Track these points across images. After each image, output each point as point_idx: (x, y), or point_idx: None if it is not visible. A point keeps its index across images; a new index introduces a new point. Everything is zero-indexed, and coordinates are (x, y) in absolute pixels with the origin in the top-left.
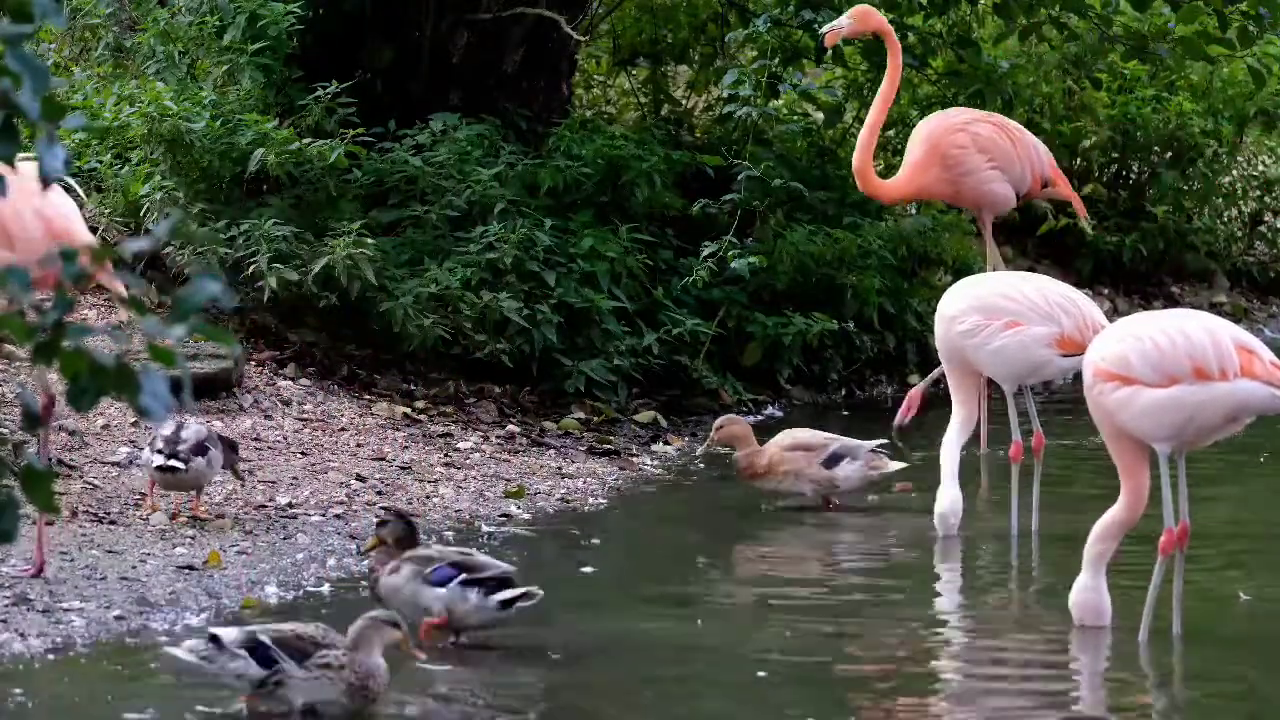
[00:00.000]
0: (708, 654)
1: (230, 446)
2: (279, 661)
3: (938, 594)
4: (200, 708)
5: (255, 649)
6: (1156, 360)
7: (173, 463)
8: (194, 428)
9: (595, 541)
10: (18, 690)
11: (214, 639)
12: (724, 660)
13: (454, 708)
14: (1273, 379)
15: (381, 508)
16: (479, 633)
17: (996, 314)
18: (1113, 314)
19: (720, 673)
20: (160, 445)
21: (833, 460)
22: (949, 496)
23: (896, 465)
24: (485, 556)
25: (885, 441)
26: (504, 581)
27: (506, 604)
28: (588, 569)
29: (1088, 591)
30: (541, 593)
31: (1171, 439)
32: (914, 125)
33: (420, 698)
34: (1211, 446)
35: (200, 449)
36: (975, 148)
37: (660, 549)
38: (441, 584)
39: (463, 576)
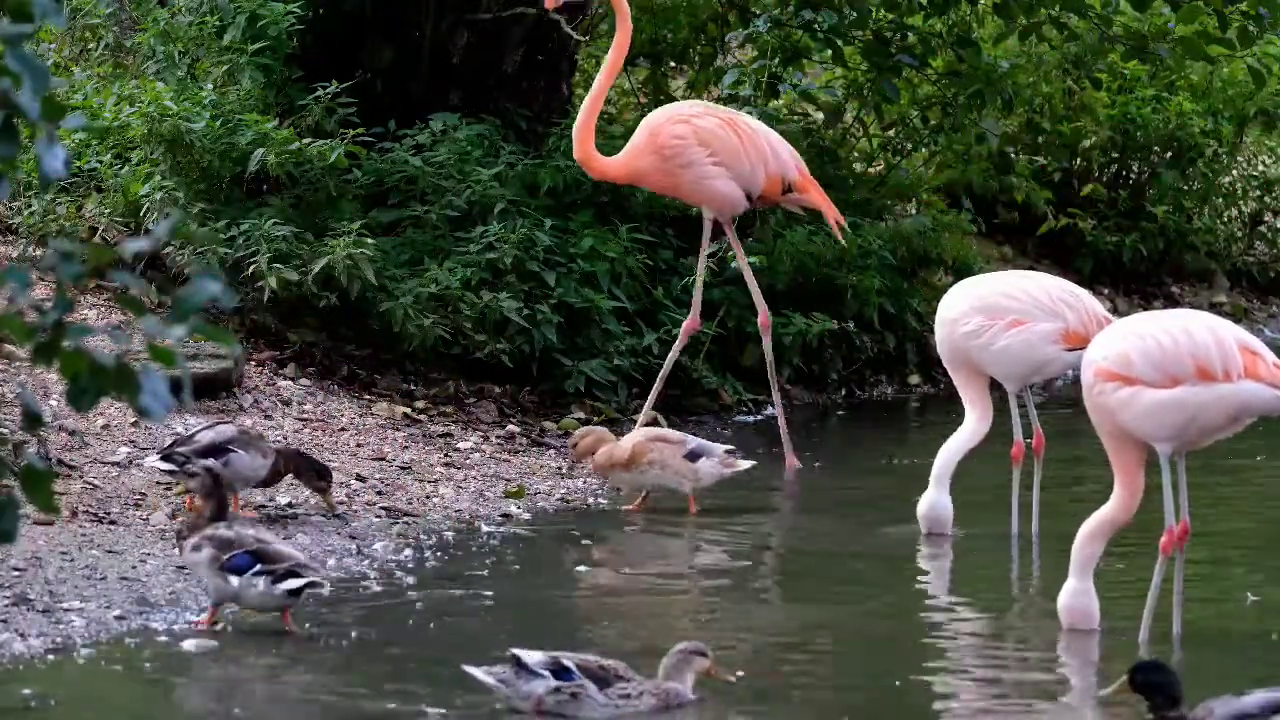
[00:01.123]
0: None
1: (319, 473)
2: (578, 678)
3: (938, 594)
4: (200, 707)
5: (558, 671)
6: (1159, 360)
7: (164, 464)
8: (213, 430)
9: (595, 541)
10: (17, 690)
11: (517, 660)
12: (723, 661)
13: (442, 705)
14: (1276, 380)
15: (203, 466)
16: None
17: (1000, 313)
18: (1113, 314)
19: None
20: (165, 447)
21: (693, 455)
22: (930, 500)
23: (747, 464)
24: (283, 545)
25: (731, 447)
26: (293, 571)
27: (294, 593)
28: (583, 568)
29: (1077, 595)
30: (327, 585)
31: (1173, 439)
32: (914, 125)
33: (404, 690)
34: (1208, 447)
35: (212, 451)
36: (695, 140)
37: (660, 549)
38: (236, 572)
39: (258, 567)
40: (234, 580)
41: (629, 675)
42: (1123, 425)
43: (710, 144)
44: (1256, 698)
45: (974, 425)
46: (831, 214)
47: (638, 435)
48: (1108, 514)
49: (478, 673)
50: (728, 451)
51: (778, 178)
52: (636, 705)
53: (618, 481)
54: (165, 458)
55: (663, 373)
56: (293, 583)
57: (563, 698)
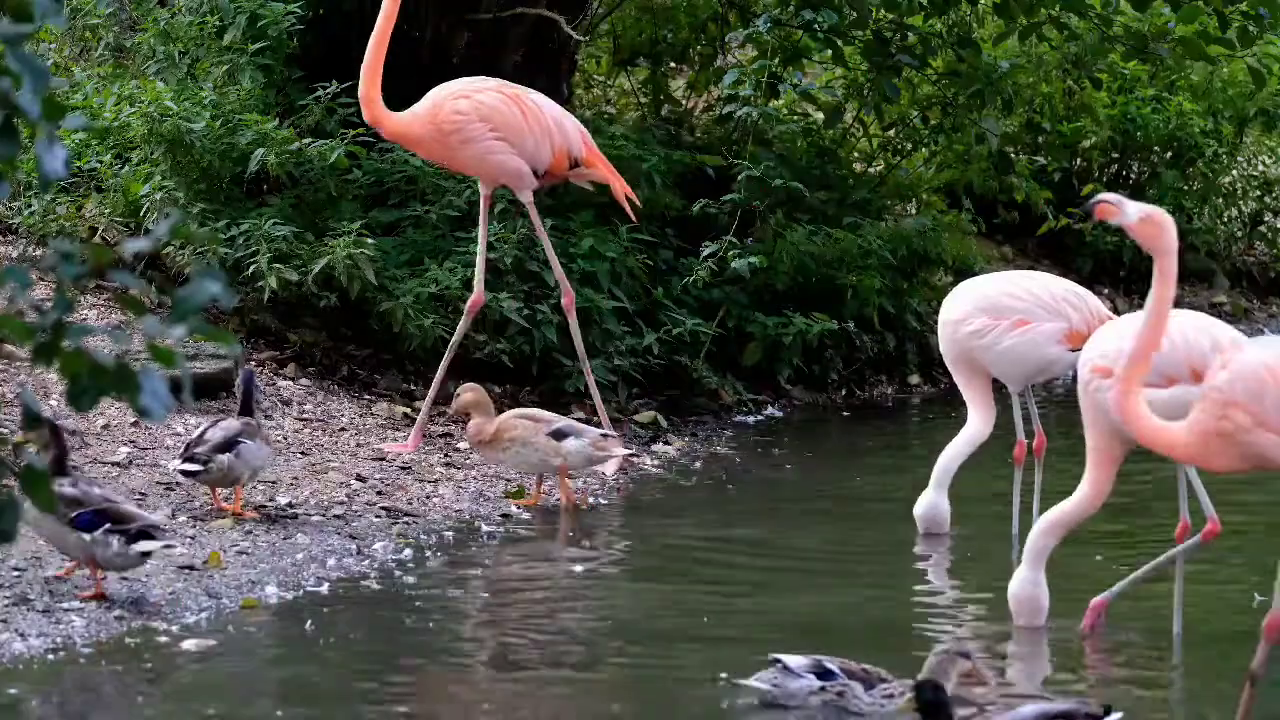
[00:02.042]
0: (707, 654)
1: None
2: (841, 678)
3: (938, 593)
4: (200, 707)
5: (821, 673)
6: (1155, 360)
7: (189, 465)
8: (225, 426)
9: (594, 541)
10: (17, 690)
11: (781, 664)
12: (722, 660)
13: (442, 704)
14: None
15: (44, 419)
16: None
17: (1004, 313)
18: (1114, 314)
19: (718, 671)
20: (181, 448)
21: (559, 435)
22: (928, 501)
23: (623, 450)
24: (131, 506)
25: (612, 433)
26: (145, 532)
27: (146, 554)
28: (582, 568)
29: (1028, 586)
30: (179, 546)
31: None
32: (914, 125)
33: (404, 690)
34: None
35: (225, 446)
36: (476, 116)
37: (660, 549)
38: (85, 529)
39: (107, 525)
40: (85, 537)
41: (889, 676)
42: (1116, 423)
43: (492, 119)
44: (1029, 709)
45: (977, 427)
46: (620, 188)
47: (510, 412)
48: (1070, 509)
49: (749, 681)
50: (605, 436)
51: (564, 153)
52: (899, 704)
53: (487, 459)
54: (188, 459)
55: (449, 351)
56: (147, 545)
57: (829, 697)
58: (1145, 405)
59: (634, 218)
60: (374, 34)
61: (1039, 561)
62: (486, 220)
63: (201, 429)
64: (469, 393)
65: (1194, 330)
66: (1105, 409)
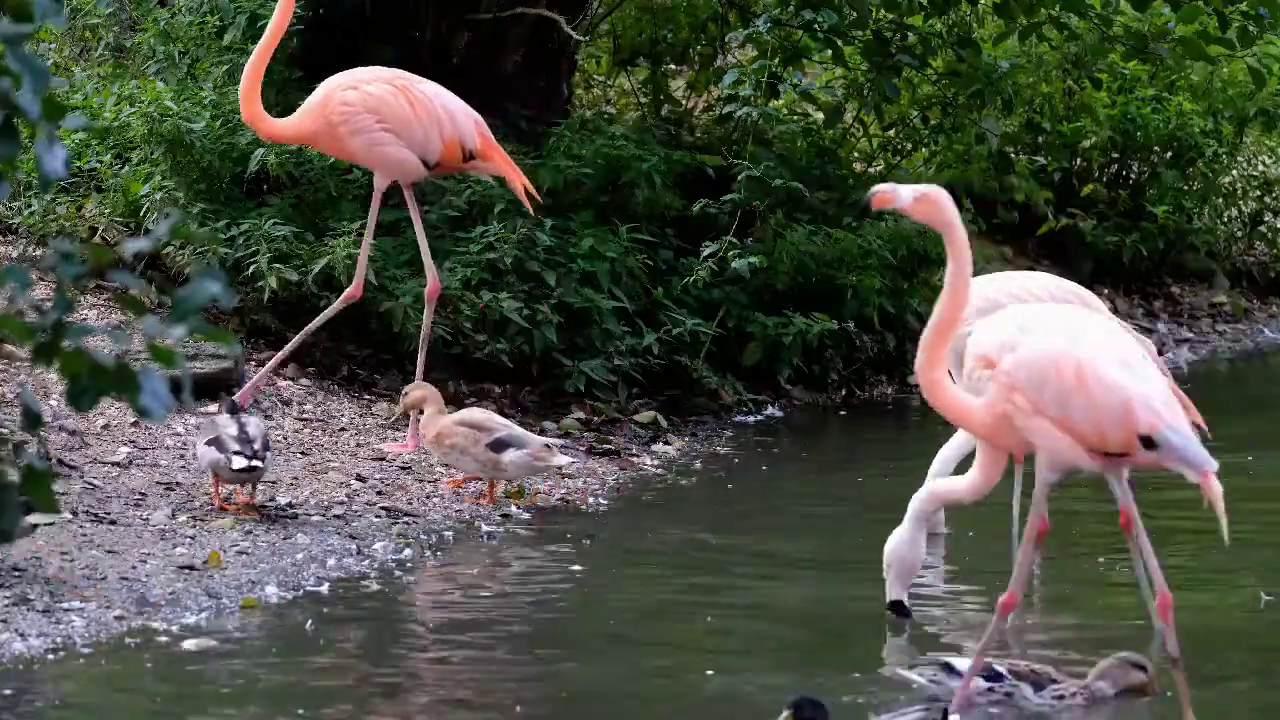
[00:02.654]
0: (708, 654)
1: None
2: (1009, 680)
3: (937, 592)
4: (200, 707)
5: (990, 675)
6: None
7: (255, 463)
8: (255, 424)
9: (595, 541)
10: (17, 690)
11: (947, 666)
12: (722, 660)
13: (442, 704)
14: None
15: None
16: None
17: None
18: (1113, 314)
19: (717, 672)
20: (237, 447)
21: (499, 445)
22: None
23: (564, 459)
24: None
25: (562, 441)
26: None
27: None
28: (581, 568)
29: (905, 545)
30: None
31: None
32: (914, 125)
33: (405, 690)
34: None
35: (267, 445)
36: (363, 107)
37: (660, 549)
38: None
39: None
40: None
41: (1060, 677)
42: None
43: (379, 111)
44: (909, 714)
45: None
46: (518, 182)
47: (454, 416)
48: (960, 488)
49: (910, 674)
50: (549, 446)
51: (455, 144)
52: (1070, 704)
53: (435, 454)
54: (254, 457)
55: (302, 335)
56: None
57: (997, 698)
58: (947, 379)
59: (532, 211)
60: (264, 37)
61: (920, 523)
62: (376, 211)
63: (236, 427)
64: (416, 390)
65: (1096, 329)
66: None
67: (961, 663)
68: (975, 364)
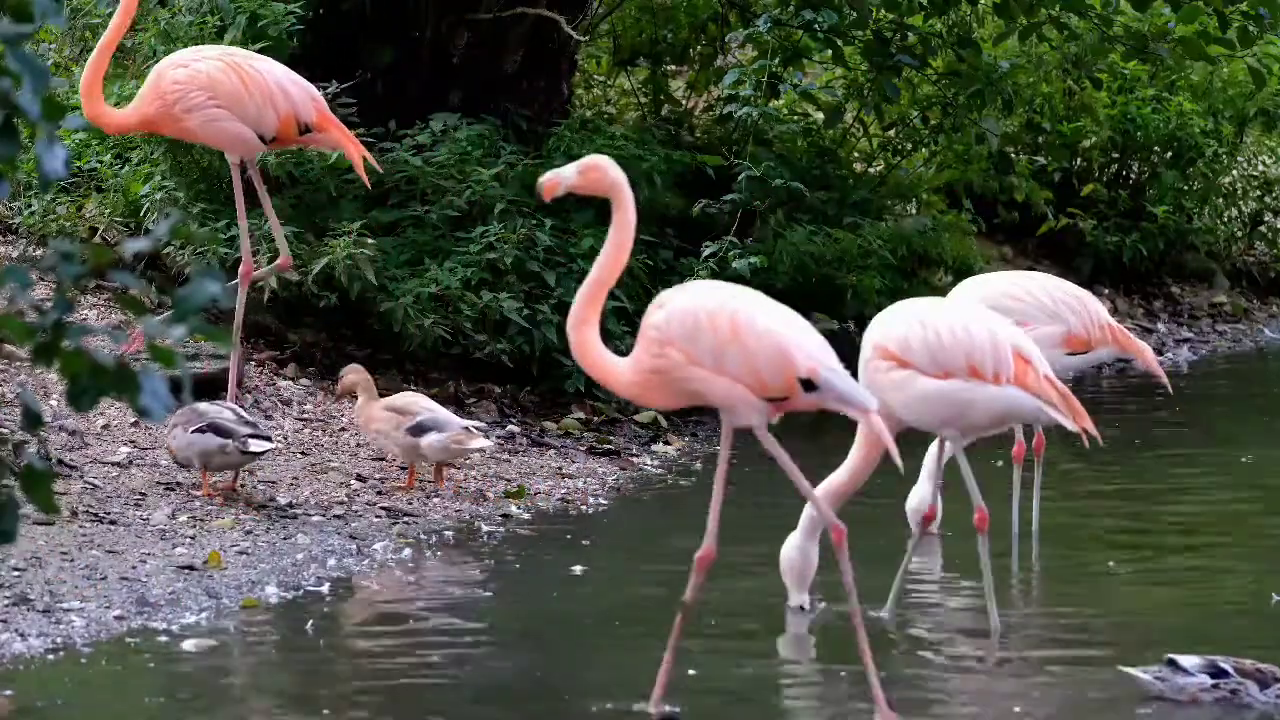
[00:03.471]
0: (706, 655)
1: None
2: (1233, 676)
3: (937, 591)
4: (200, 707)
5: (1215, 672)
6: (936, 351)
7: (268, 445)
8: (245, 410)
9: (595, 542)
10: (17, 690)
11: (1171, 663)
12: (722, 660)
13: (442, 704)
14: (1041, 391)
15: None
16: None
17: (1003, 314)
18: (1113, 314)
19: (715, 673)
20: (248, 430)
21: (419, 429)
22: (920, 494)
23: (484, 442)
24: None
25: (481, 425)
26: None
27: None
28: (581, 568)
29: (798, 552)
30: None
31: (939, 428)
32: (914, 125)
33: (405, 690)
34: (1192, 444)
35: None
36: (194, 85)
37: (660, 549)
38: None
39: None
40: None
41: None
42: (892, 406)
43: (211, 88)
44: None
45: None
46: (356, 153)
47: (383, 401)
48: (841, 480)
49: (1135, 672)
50: (468, 429)
51: (291, 118)
52: None
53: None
54: (263, 438)
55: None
56: None
57: (1221, 695)
58: (597, 339)
59: (367, 184)
60: (104, 35)
61: (813, 531)
62: (240, 186)
63: (229, 412)
64: (351, 374)
65: (976, 325)
66: (882, 390)
67: (1189, 660)
68: (874, 354)
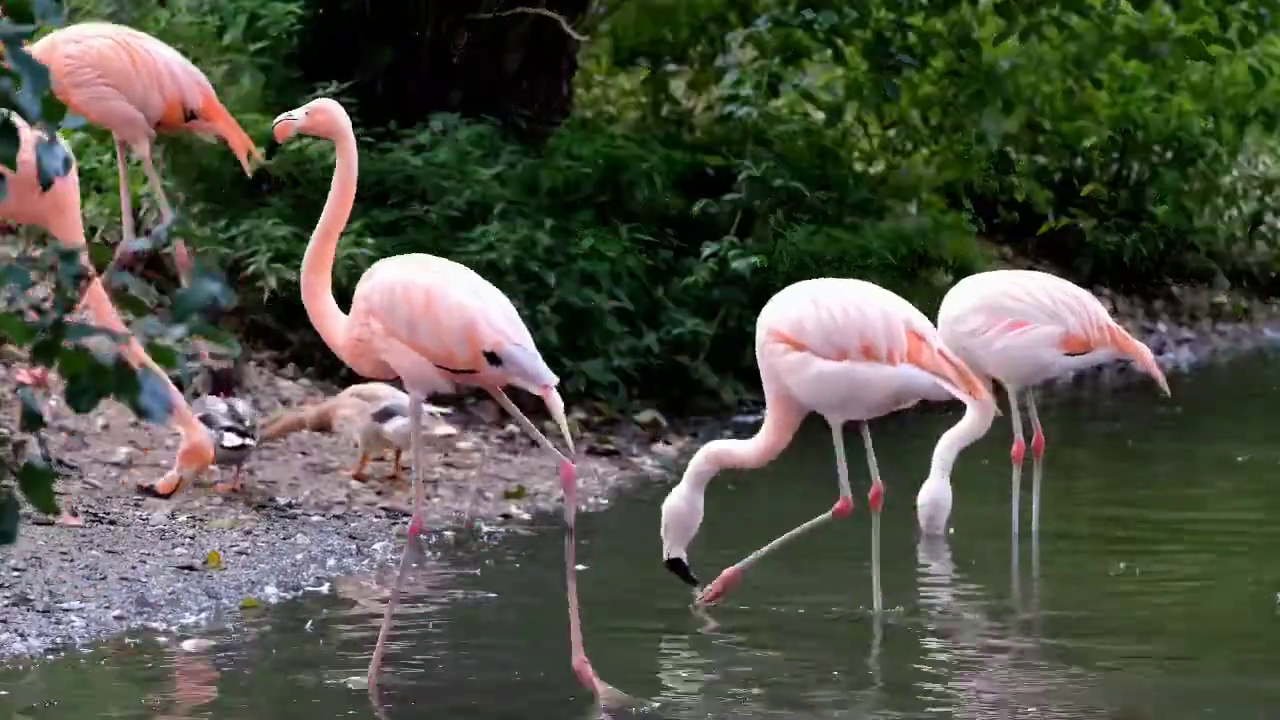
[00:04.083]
0: (706, 654)
1: None
2: None
3: (937, 591)
4: (200, 707)
5: None
6: (830, 331)
7: (247, 441)
8: (243, 405)
9: (595, 541)
10: (16, 690)
11: None
12: (722, 660)
13: (442, 702)
14: (936, 367)
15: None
16: None
17: (1001, 314)
18: (1113, 314)
19: (716, 673)
20: (228, 423)
21: (384, 415)
22: (933, 489)
23: (446, 429)
24: None
25: (447, 410)
26: None
27: None
28: (582, 568)
29: (682, 502)
30: None
31: (835, 410)
32: (914, 125)
33: (406, 690)
34: (1192, 444)
35: (254, 425)
36: (85, 61)
37: (660, 549)
38: None
39: None
40: None
41: None
42: (788, 389)
43: (101, 66)
44: None
45: (974, 419)
46: (240, 143)
47: (355, 386)
48: (741, 453)
49: None
50: (434, 415)
51: (177, 102)
52: None
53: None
54: (246, 434)
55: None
56: None
57: None
58: (326, 289)
59: (245, 172)
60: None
61: (698, 483)
62: (125, 165)
63: (226, 406)
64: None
65: (868, 304)
66: (778, 373)
67: None
68: (769, 338)
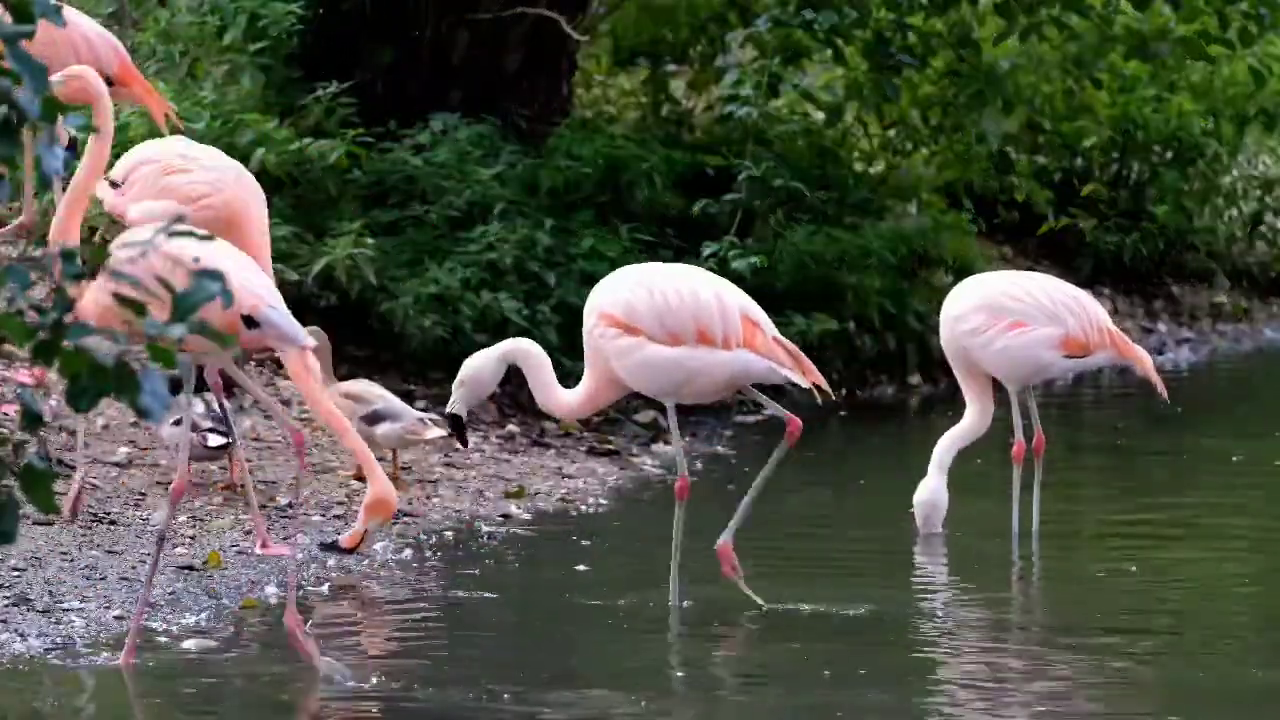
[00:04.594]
0: (706, 654)
1: None
2: None
3: (937, 590)
4: (200, 707)
5: None
6: (664, 315)
7: (227, 440)
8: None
9: (595, 541)
10: (17, 690)
11: None
12: (722, 660)
13: (442, 702)
14: (771, 353)
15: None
16: None
17: (1001, 314)
18: (1113, 314)
19: (716, 673)
20: (210, 424)
21: (374, 418)
22: (930, 487)
23: (437, 432)
24: None
25: (436, 416)
26: None
27: None
28: (583, 568)
29: (481, 365)
30: None
31: (668, 395)
32: (914, 125)
33: (406, 690)
34: (1192, 444)
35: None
36: None
37: (661, 549)
38: None
39: None
40: None
41: None
42: (617, 372)
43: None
44: None
45: (973, 419)
46: (159, 109)
47: (339, 387)
48: (554, 400)
49: None
50: (423, 420)
51: (93, 67)
52: None
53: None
54: (223, 434)
55: None
56: None
57: None
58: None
59: (165, 132)
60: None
61: (500, 359)
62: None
63: (203, 405)
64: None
65: (703, 289)
66: (609, 357)
67: None
68: (599, 321)
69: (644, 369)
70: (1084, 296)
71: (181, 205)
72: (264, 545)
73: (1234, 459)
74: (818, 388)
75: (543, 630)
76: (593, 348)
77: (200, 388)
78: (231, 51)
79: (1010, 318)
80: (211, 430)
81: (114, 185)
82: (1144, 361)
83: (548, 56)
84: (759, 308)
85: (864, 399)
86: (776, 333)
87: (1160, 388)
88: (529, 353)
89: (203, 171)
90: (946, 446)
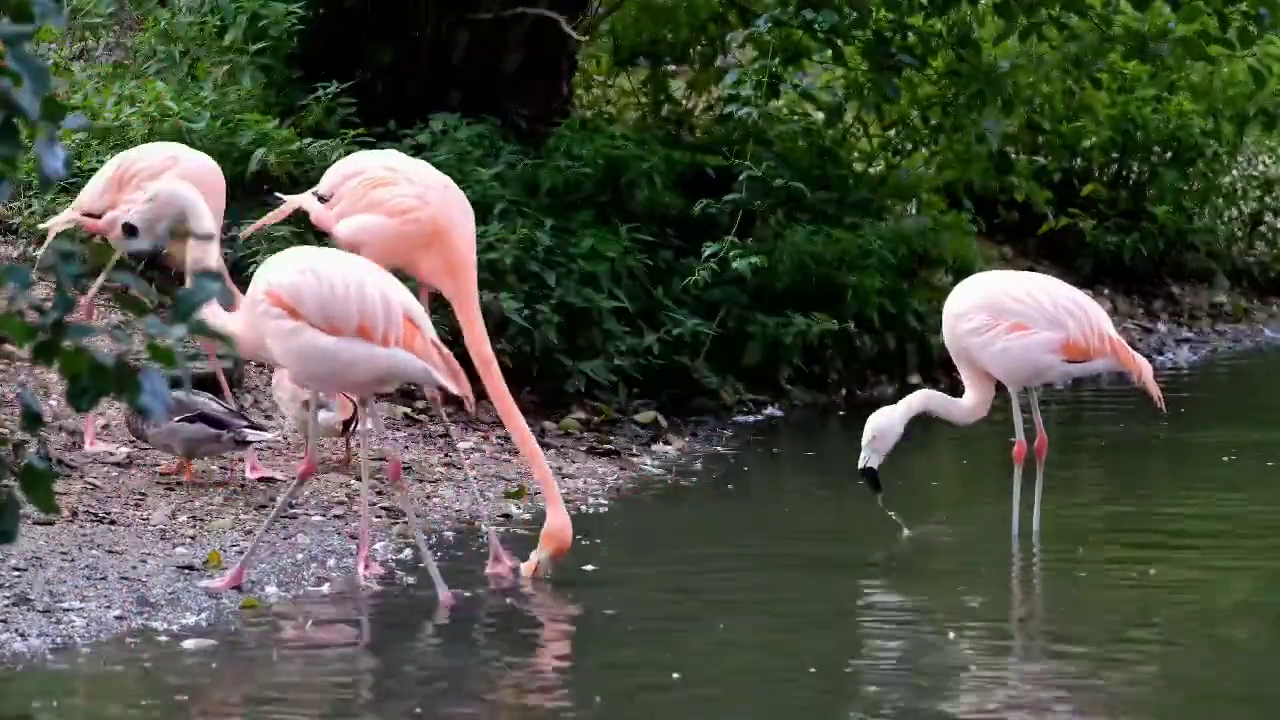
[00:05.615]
0: (706, 655)
1: None
2: None
3: (937, 593)
4: (200, 707)
5: None
6: (328, 304)
7: (265, 435)
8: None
9: (595, 541)
10: (17, 690)
11: None
12: (722, 660)
13: (442, 702)
14: (427, 355)
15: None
16: None
17: (1003, 315)
18: (1113, 314)
19: (716, 673)
20: (244, 422)
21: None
22: (888, 415)
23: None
24: None
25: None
26: None
27: None
28: (578, 567)
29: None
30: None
31: (318, 382)
32: (914, 125)
33: (405, 690)
34: (1192, 444)
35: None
36: None
37: (661, 549)
38: None
39: None
40: None
41: None
42: (272, 353)
43: None
44: None
45: (971, 401)
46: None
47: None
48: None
49: None
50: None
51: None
52: None
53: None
54: (259, 428)
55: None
56: None
57: None
58: None
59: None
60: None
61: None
62: None
63: (206, 398)
64: None
65: (370, 284)
66: (265, 334)
67: None
68: (264, 297)
69: (296, 353)
70: (1086, 301)
71: (389, 218)
72: (366, 567)
73: (1234, 459)
74: (466, 399)
75: (543, 630)
76: (251, 318)
77: (200, 388)
78: (232, 51)
79: (1012, 319)
80: (249, 426)
81: (321, 200)
82: (1144, 372)
83: (547, 56)
84: (422, 309)
85: (864, 399)
86: (435, 336)
87: (1158, 399)
88: (929, 396)
89: (409, 184)
90: (927, 397)
